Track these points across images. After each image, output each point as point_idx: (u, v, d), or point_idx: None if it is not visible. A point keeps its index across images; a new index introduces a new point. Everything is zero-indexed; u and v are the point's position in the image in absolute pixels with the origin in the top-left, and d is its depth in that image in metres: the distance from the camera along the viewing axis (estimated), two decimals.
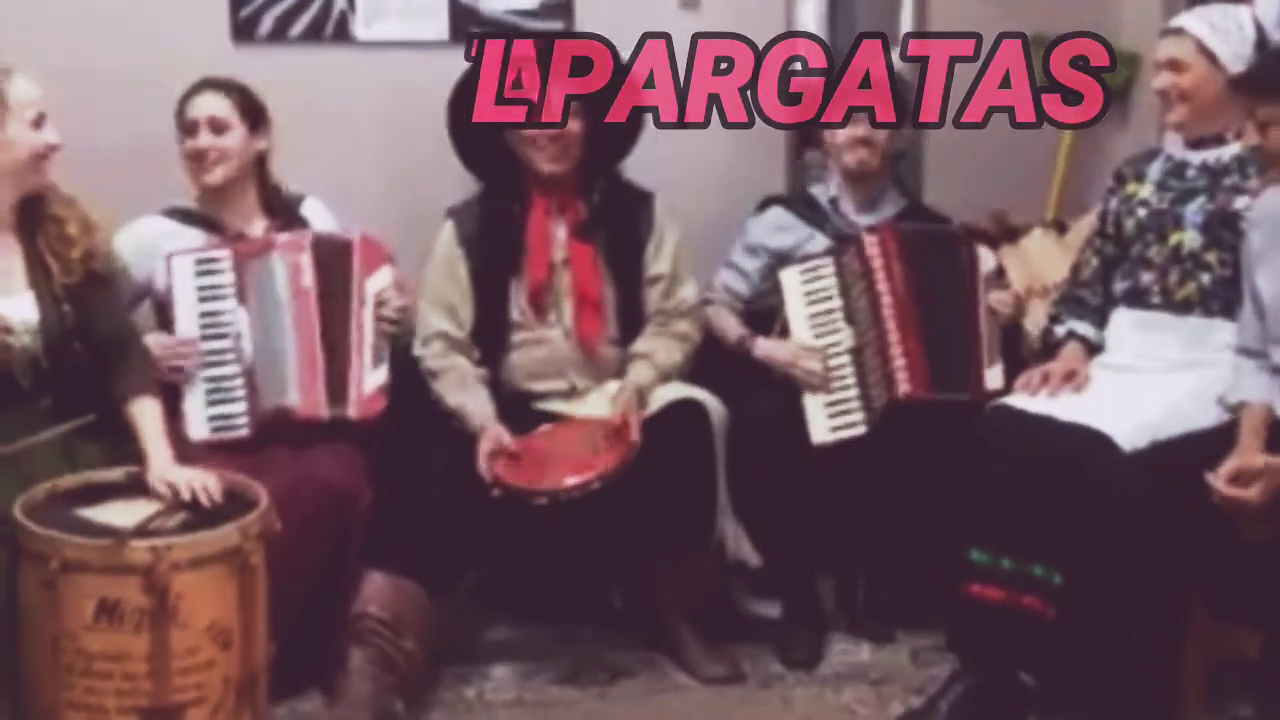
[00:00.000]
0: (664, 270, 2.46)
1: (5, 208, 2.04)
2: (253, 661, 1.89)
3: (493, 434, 2.28)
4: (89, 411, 2.01)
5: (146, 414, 2.03)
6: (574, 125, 2.37)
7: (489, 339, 2.41)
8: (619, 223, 2.44)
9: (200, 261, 2.24)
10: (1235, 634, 2.02)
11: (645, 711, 2.28)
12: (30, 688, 1.82)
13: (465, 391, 2.35)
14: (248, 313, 2.24)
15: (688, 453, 2.29)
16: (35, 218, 2.06)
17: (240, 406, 2.22)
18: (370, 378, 2.27)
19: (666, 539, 2.31)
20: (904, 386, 2.40)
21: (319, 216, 2.41)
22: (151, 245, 2.28)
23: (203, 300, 2.22)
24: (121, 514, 1.89)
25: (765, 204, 2.67)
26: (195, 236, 2.30)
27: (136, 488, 1.97)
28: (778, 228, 2.61)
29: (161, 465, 1.98)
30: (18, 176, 2.03)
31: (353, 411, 2.25)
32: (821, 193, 2.63)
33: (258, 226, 2.34)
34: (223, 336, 2.23)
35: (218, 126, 2.28)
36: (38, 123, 2.02)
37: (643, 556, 2.36)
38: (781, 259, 2.55)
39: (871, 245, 2.46)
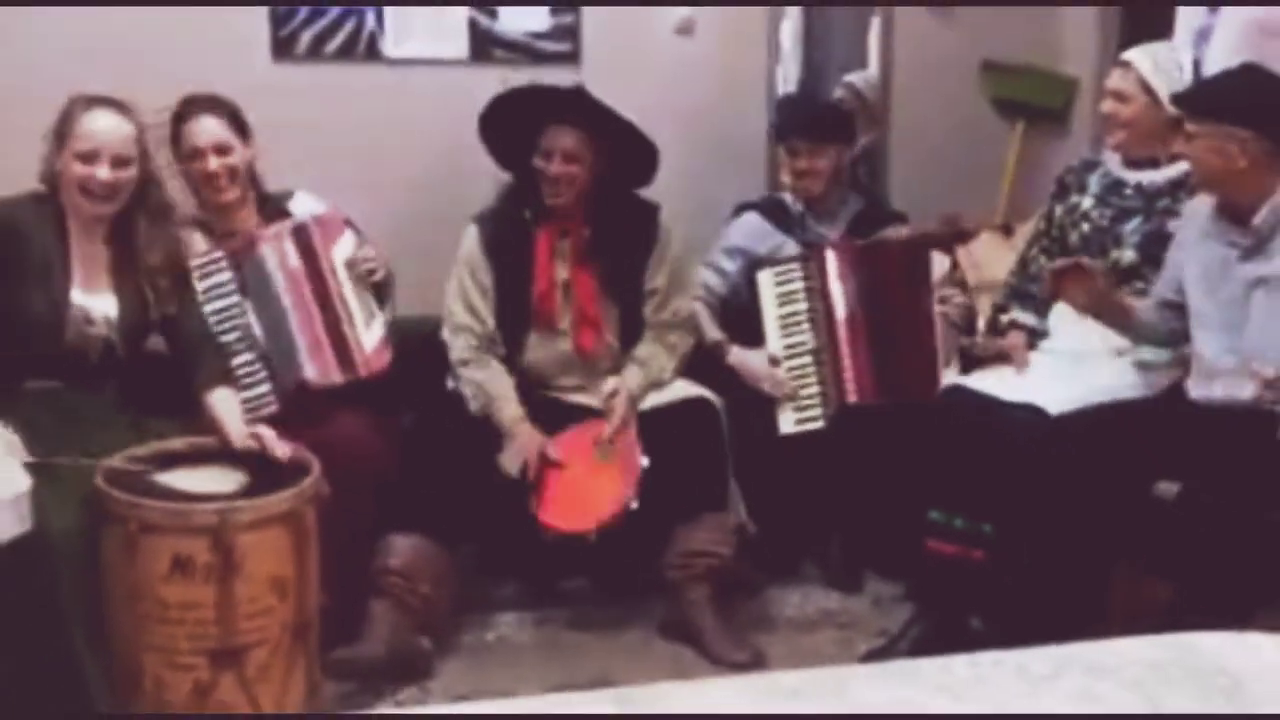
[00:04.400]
0: (660, 284, 2.48)
1: (94, 221, 2.06)
2: (306, 609, 1.97)
3: (535, 441, 2.32)
4: (155, 401, 2.07)
5: (224, 400, 2.08)
6: (577, 169, 2.38)
7: (506, 338, 2.45)
8: (622, 241, 2.45)
9: (199, 266, 2.24)
10: (1152, 584, 2.10)
11: (647, 654, 2.34)
12: (113, 633, 1.89)
13: (499, 388, 2.40)
14: (252, 302, 2.25)
15: (700, 442, 2.36)
16: (127, 236, 2.08)
17: (265, 387, 2.24)
18: (367, 336, 2.28)
19: (687, 505, 2.35)
20: (852, 396, 2.48)
21: (307, 207, 2.37)
22: None
23: (209, 301, 2.23)
24: (195, 479, 1.97)
25: (740, 209, 2.72)
26: (196, 240, 2.30)
27: (200, 456, 2.04)
28: (754, 234, 2.66)
29: (243, 429, 2.03)
30: (75, 198, 2.03)
31: (362, 371, 2.27)
32: (792, 201, 2.70)
33: (249, 225, 2.32)
34: (235, 329, 2.25)
35: (222, 149, 2.27)
36: (88, 158, 2.00)
37: (662, 525, 2.36)
38: (758, 261, 2.60)
39: (830, 262, 2.51)
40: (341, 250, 2.30)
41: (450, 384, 2.45)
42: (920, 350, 2.48)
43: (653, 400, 2.44)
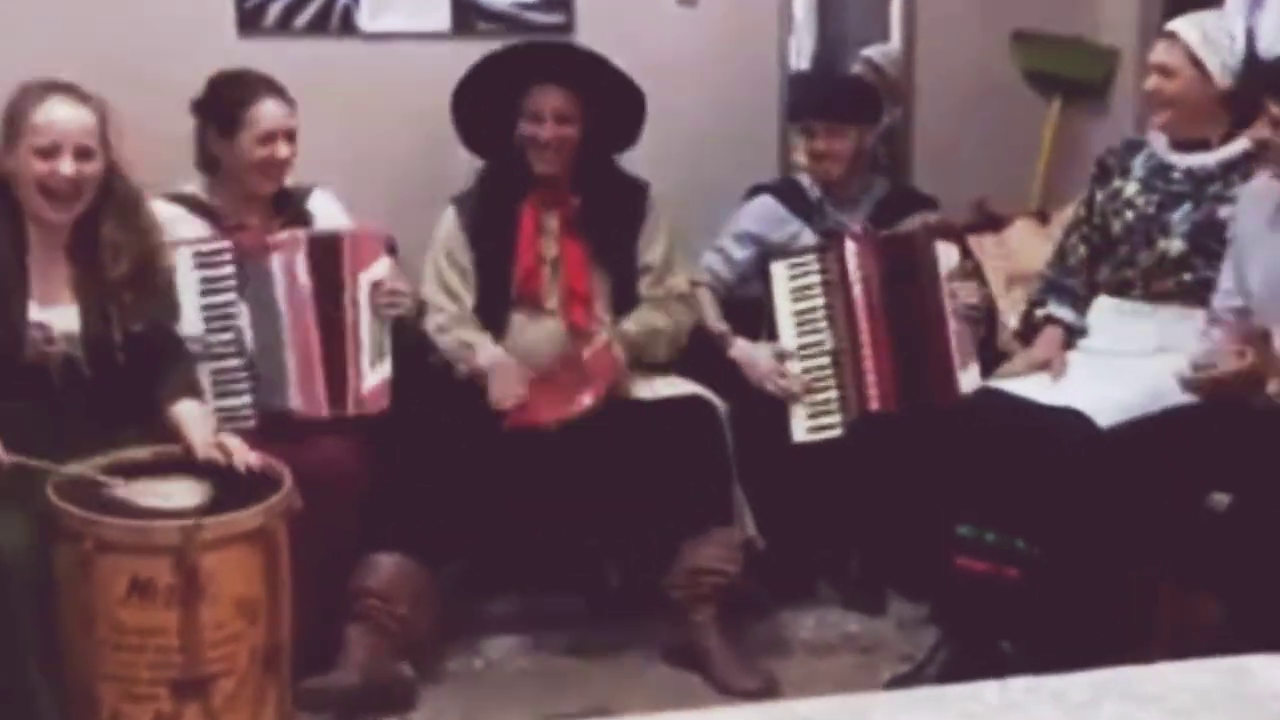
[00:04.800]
0: (654, 260, 2.51)
1: (54, 227, 2.03)
2: (277, 634, 1.96)
3: (508, 366, 2.37)
4: (124, 419, 2.04)
5: (189, 411, 2.06)
6: (571, 130, 2.42)
7: (488, 321, 2.48)
8: (612, 215, 2.49)
9: (199, 254, 2.23)
10: (1200, 603, 2.11)
11: (649, 681, 2.36)
12: (67, 660, 1.88)
13: (473, 335, 2.44)
14: (249, 307, 2.24)
15: (701, 449, 2.36)
16: (89, 242, 2.03)
17: (245, 400, 2.24)
18: (370, 376, 2.28)
19: (689, 518, 2.36)
20: (874, 403, 2.48)
21: (326, 209, 2.40)
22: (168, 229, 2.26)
23: (204, 294, 2.22)
24: (157, 492, 1.95)
25: (754, 191, 2.71)
26: (198, 226, 2.29)
27: (165, 466, 2.02)
28: (768, 219, 2.66)
29: (209, 436, 2.01)
30: (34, 200, 1.99)
31: (351, 410, 2.27)
32: (810, 185, 2.69)
33: (261, 218, 2.33)
34: (226, 330, 2.23)
35: (291, 134, 2.28)
36: (47, 153, 1.95)
37: (666, 537, 2.38)
38: (770, 250, 2.59)
39: (852, 256, 2.50)
40: (369, 277, 2.29)
41: (430, 359, 2.46)
42: (937, 351, 2.47)
43: (648, 394, 2.44)
